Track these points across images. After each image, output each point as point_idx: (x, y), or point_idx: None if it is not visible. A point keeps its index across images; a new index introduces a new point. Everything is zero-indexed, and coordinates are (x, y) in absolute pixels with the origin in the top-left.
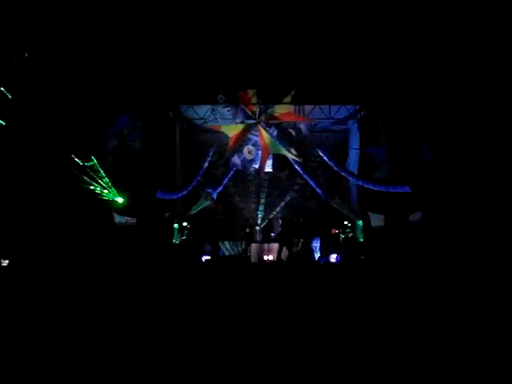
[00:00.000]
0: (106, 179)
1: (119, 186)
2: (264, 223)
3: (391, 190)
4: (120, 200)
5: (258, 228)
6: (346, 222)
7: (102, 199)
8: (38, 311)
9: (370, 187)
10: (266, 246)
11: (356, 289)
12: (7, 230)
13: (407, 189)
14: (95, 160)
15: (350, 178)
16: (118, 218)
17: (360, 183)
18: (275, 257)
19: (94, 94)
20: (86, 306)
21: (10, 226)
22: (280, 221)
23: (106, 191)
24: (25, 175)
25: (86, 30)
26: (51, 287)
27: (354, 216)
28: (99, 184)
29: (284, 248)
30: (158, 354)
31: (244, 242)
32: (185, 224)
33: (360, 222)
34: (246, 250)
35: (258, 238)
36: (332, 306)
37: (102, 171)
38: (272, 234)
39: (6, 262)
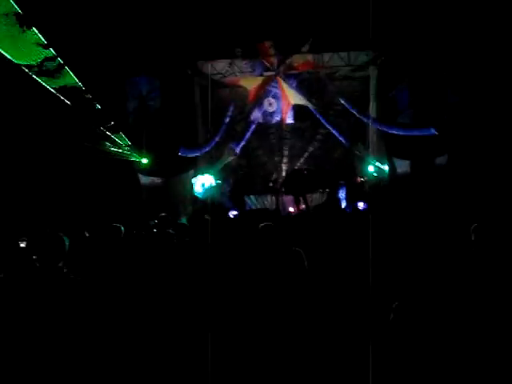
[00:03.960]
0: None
1: (142, 146)
2: (287, 175)
3: (416, 134)
4: (144, 160)
5: (281, 180)
6: (370, 170)
7: (126, 161)
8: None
9: (394, 132)
10: (290, 197)
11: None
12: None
13: (432, 131)
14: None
15: (374, 124)
16: (143, 179)
17: (384, 129)
18: (299, 208)
19: (111, 55)
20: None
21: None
22: (305, 172)
23: (129, 153)
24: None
25: None
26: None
27: (379, 163)
28: (121, 146)
29: (301, 199)
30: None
31: (270, 195)
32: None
33: (385, 169)
34: (276, 204)
35: (283, 189)
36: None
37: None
38: (293, 187)
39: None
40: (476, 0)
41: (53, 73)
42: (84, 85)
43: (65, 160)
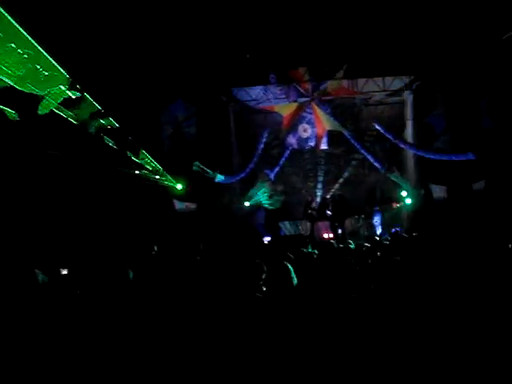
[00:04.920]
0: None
1: (177, 172)
2: (322, 201)
3: (453, 159)
4: (179, 187)
5: (316, 206)
6: (405, 195)
7: (161, 187)
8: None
9: (431, 157)
10: (325, 224)
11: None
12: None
13: (470, 156)
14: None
15: (410, 149)
16: (178, 205)
17: (420, 154)
18: (334, 234)
19: (147, 82)
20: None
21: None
22: (337, 198)
23: (164, 179)
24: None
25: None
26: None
27: (415, 188)
28: (157, 173)
29: (336, 225)
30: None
31: (304, 221)
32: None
33: (421, 195)
34: (311, 230)
35: (317, 216)
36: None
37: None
38: (328, 212)
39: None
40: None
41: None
42: (118, 111)
43: (100, 187)
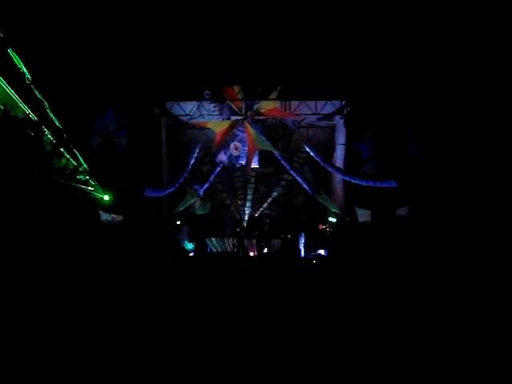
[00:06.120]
0: (93, 179)
1: (105, 183)
2: (250, 219)
3: (378, 185)
4: (106, 198)
5: (243, 225)
6: (332, 218)
7: (87, 197)
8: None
9: (357, 182)
10: (251, 242)
11: (342, 284)
12: None
13: (393, 183)
14: (85, 165)
15: (337, 174)
16: (104, 216)
17: (347, 178)
18: (260, 252)
19: (79, 90)
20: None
21: None
22: (266, 218)
23: (91, 189)
24: (7, 175)
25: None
26: (36, 289)
27: (341, 211)
28: (84, 182)
29: (262, 244)
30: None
31: (231, 238)
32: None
33: (347, 218)
34: (238, 247)
35: (244, 234)
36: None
37: (87, 169)
38: (255, 232)
39: None
40: (438, 62)
41: None
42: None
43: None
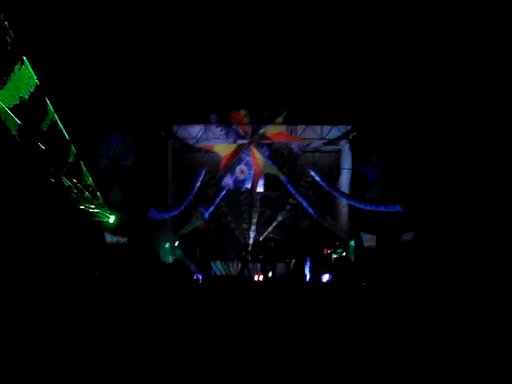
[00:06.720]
0: (100, 199)
1: (110, 205)
2: (255, 243)
3: (382, 210)
4: (111, 219)
5: (249, 249)
6: (337, 243)
7: (92, 219)
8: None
9: (362, 207)
10: (257, 266)
11: (346, 308)
12: None
13: (398, 208)
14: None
15: (342, 198)
16: (109, 238)
17: (352, 203)
18: (265, 276)
19: (86, 112)
20: (76, 327)
21: None
22: (271, 242)
23: (97, 210)
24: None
25: (79, 50)
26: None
27: (346, 236)
28: (90, 203)
29: (267, 268)
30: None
31: (236, 261)
32: (176, 244)
33: (352, 242)
34: (241, 271)
35: (249, 258)
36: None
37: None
38: (260, 255)
39: None
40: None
41: None
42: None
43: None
